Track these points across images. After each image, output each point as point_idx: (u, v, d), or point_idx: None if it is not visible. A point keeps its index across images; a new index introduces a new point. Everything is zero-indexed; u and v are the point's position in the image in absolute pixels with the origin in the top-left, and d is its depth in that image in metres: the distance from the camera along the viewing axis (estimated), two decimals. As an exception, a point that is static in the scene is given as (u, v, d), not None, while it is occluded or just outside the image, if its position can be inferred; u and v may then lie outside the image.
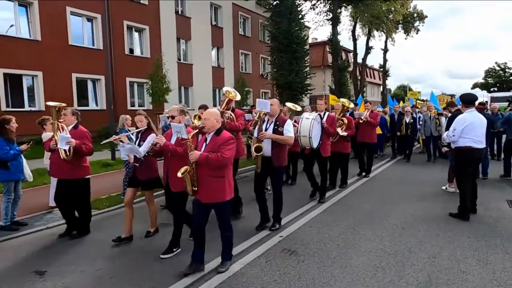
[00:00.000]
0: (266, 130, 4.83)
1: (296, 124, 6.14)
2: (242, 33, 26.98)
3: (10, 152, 4.92)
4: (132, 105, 18.78)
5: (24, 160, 5.52)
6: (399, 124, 11.27)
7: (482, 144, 5.29)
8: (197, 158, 3.44)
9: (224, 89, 5.36)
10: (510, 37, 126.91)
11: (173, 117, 4.31)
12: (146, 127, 4.67)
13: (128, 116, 7.40)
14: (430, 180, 8.20)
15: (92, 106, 17.11)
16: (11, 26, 14.16)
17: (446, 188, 7.11)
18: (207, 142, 3.62)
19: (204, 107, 5.30)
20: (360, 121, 8.57)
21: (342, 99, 7.60)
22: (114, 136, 4.45)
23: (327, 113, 6.50)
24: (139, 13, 18.71)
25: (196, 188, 3.57)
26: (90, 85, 17.11)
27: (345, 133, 6.96)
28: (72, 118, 4.83)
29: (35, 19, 14.54)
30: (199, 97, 21.87)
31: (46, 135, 5.69)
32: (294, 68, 21.61)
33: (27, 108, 14.51)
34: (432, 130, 10.76)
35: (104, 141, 4.66)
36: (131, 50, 18.89)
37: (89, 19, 16.84)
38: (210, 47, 23.89)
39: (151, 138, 4.34)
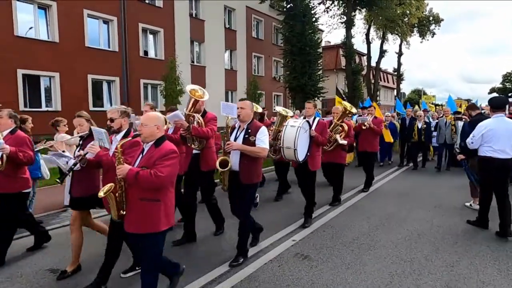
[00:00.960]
0: (235, 139, 3.98)
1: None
2: (255, 36, 27.02)
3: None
4: (146, 106, 18.98)
5: (41, 158, 5.59)
6: (411, 130, 10.45)
7: (505, 154, 4.65)
8: (125, 174, 2.74)
9: (188, 87, 4.33)
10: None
11: (112, 120, 3.46)
12: (87, 132, 3.78)
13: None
14: (445, 187, 8.02)
15: (106, 107, 17.33)
16: (30, 28, 14.50)
17: (470, 205, 6.18)
18: (143, 154, 2.91)
19: (172, 110, 4.64)
20: (363, 127, 7.59)
21: (344, 102, 6.66)
22: (45, 141, 3.71)
23: (317, 119, 5.51)
24: (154, 16, 18.94)
25: (124, 212, 2.89)
26: (105, 86, 17.37)
27: (344, 142, 6.14)
28: (8, 122, 4.04)
29: (54, 21, 14.87)
30: (212, 100, 21.65)
31: (59, 137, 5.69)
32: (307, 71, 21.53)
33: (44, 108, 14.82)
34: (446, 137, 9.93)
35: (36, 149, 4.09)
36: (146, 52, 19.12)
37: (105, 22, 17.12)
38: (223, 50, 23.99)
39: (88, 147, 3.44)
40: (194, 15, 21.65)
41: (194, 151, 4.41)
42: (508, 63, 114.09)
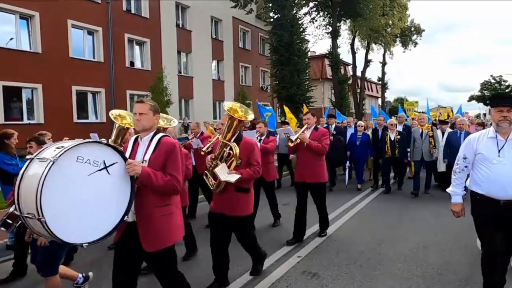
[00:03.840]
0: None
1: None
2: (242, 46, 27.05)
3: (18, 167, 4.63)
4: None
5: None
6: (383, 142, 8.37)
7: None
8: None
9: None
10: (505, 50, 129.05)
11: None
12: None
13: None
14: (435, 201, 7.98)
15: (92, 119, 16.88)
16: (11, 39, 14.01)
17: None
18: None
19: None
20: (290, 144, 4.81)
21: (227, 103, 3.66)
22: None
23: (157, 136, 2.67)
24: (140, 26, 18.67)
25: None
26: (90, 97, 16.92)
27: (231, 178, 3.32)
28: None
29: (36, 32, 14.40)
30: (200, 110, 21.76)
31: None
32: (295, 81, 21.58)
33: (25, 121, 14.25)
34: (424, 152, 7.83)
35: None
36: (132, 63, 18.79)
37: (90, 32, 16.74)
38: (211, 60, 23.87)
39: None
40: (180, 26, 21.50)
41: None
42: (485, 72, 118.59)
